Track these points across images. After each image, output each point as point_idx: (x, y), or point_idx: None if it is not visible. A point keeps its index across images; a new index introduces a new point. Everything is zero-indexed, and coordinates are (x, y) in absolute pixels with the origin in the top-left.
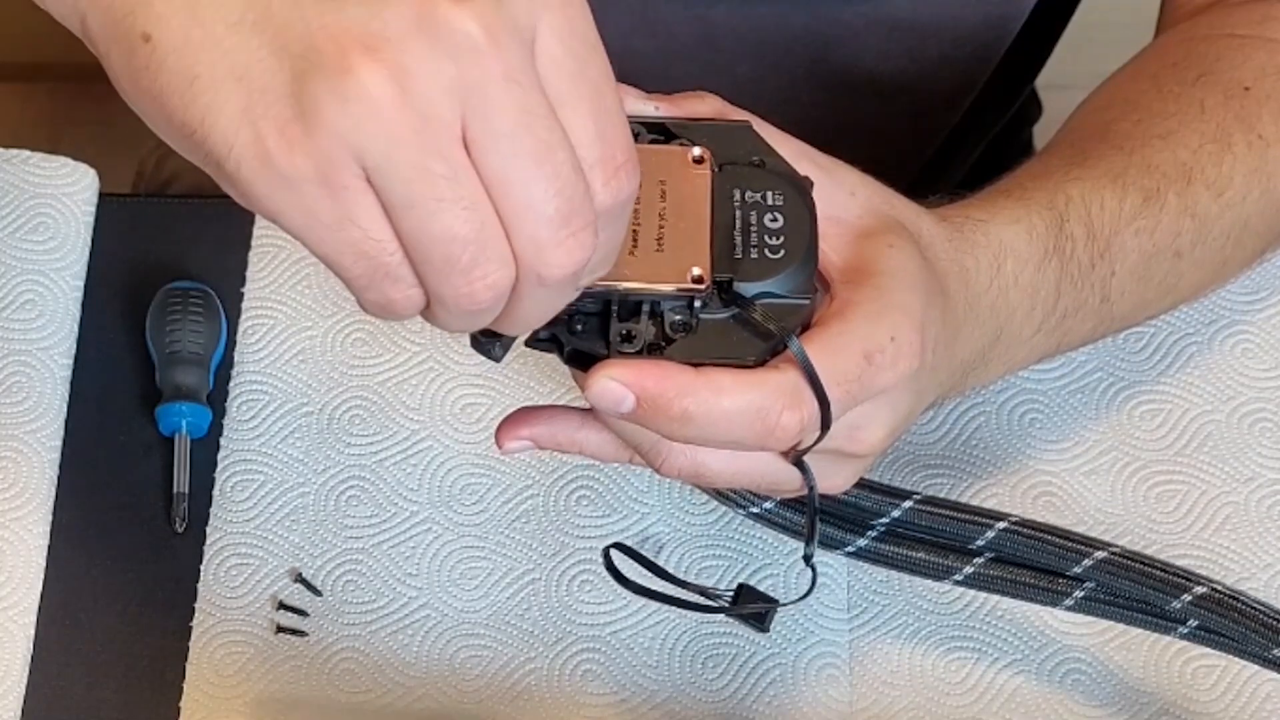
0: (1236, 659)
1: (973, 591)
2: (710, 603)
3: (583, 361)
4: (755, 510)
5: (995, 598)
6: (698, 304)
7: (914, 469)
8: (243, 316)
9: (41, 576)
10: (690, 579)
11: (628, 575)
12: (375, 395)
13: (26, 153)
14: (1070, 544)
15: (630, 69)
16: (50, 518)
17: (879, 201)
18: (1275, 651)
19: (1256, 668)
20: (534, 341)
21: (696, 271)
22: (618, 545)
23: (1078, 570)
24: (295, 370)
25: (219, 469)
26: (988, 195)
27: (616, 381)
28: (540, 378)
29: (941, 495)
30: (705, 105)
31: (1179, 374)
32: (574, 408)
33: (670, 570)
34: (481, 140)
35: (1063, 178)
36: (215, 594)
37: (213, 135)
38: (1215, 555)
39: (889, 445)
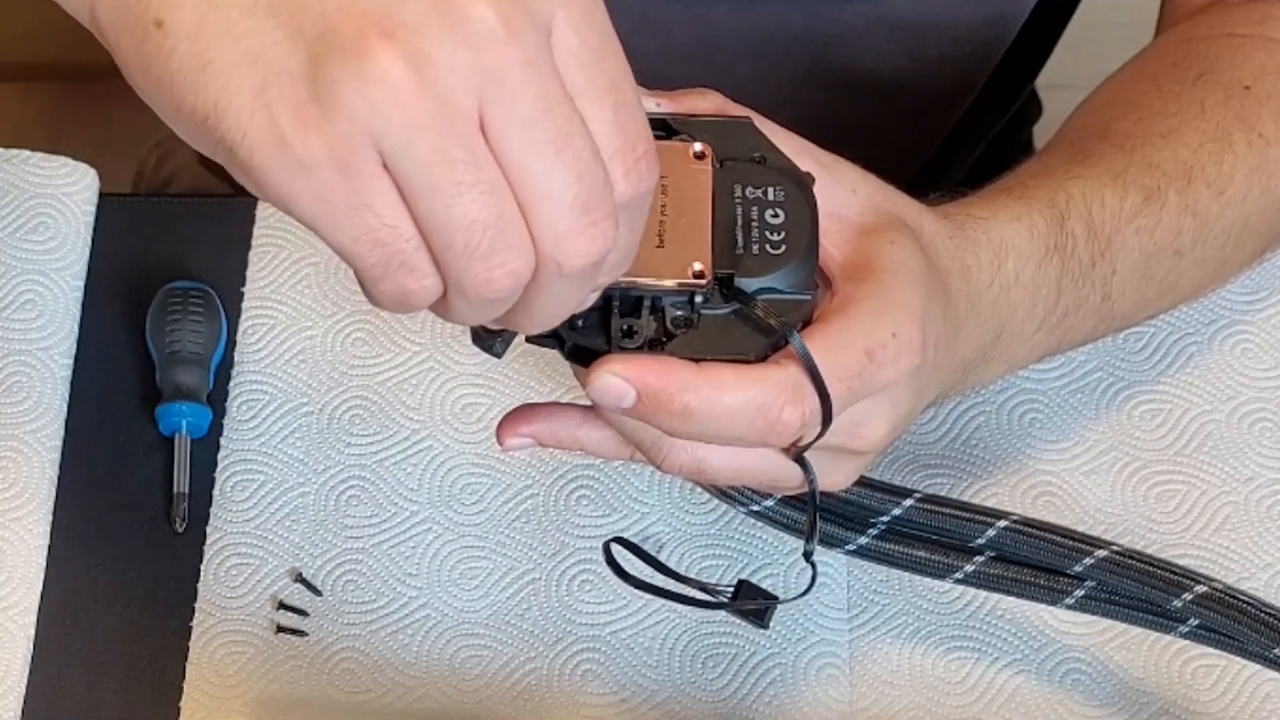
0: (1237, 659)
1: (973, 591)
2: (710, 598)
3: (584, 357)
4: (756, 508)
5: (995, 597)
6: (699, 299)
7: (914, 468)
8: (243, 316)
9: (41, 576)
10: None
11: (628, 570)
12: (375, 395)
13: (26, 153)
14: (1071, 542)
15: (631, 69)
16: (50, 518)
17: (880, 198)
18: (1276, 651)
19: (1257, 667)
20: (535, 337)
21: (698, 267)
22: (618, 539)
23: (1078, 569)
24: (295, 370)
25: (219, 469)
26: (989, 193)
27: (618, 377)
28: (540, 377)
29: (942, 495)
30: (706, 102)
31: (1179, 374)
32: (575, 405)
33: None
34: (500, 127)
35: (1063, 176)
36: (215, 594)
37: (226, 120)
38: (1215, 555)
39: (890, 442)
